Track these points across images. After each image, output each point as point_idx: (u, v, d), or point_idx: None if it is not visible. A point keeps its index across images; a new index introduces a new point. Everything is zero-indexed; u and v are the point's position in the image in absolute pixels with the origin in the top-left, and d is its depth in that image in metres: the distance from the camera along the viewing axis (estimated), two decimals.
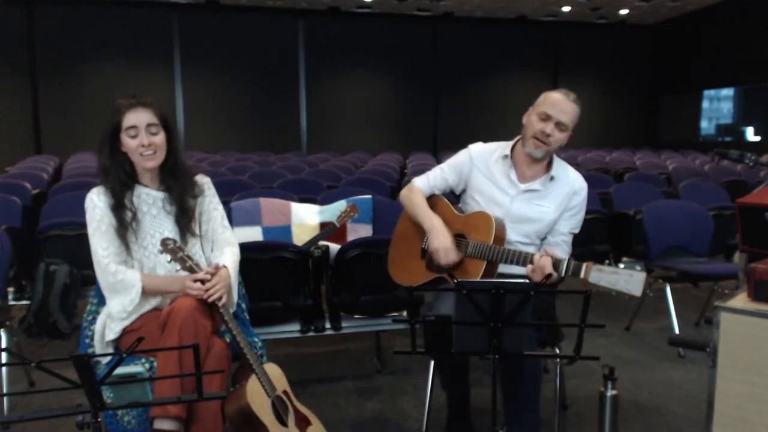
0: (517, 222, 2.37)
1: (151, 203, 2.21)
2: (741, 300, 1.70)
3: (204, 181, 2.36)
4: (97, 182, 2.23)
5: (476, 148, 2.50)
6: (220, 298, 2.04)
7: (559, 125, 2.30)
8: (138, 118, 2.12)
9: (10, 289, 3.58)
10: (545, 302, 2.40)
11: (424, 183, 2.54)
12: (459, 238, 2.36)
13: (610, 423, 2.10)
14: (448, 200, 2.52)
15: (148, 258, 2.19)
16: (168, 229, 2.22)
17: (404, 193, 2.56)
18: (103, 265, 2.10)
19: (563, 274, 2.08)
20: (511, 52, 15.41)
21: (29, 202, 4.98)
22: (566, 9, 14.34)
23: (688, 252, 3.92)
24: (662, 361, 3.51)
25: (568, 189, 2.40)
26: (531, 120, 2.35)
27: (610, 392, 2.10)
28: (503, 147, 2.46)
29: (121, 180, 2.16)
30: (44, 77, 12.76)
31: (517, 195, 2.39)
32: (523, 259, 2.16)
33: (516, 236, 2.38)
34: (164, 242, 2.07)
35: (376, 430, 2.75)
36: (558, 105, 2.30)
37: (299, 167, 7.51)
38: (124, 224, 2.14)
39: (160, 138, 2.15)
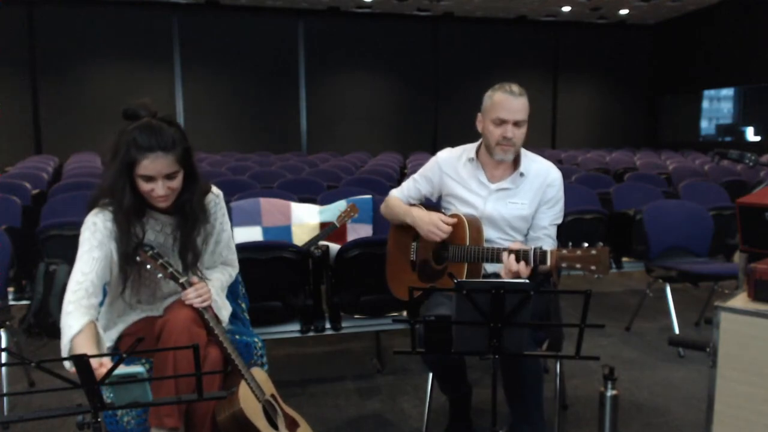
0: (493, 221, 2.37)
1: (159, 230, 2.05)
2: (741, 300, 1.71)
3: (217, 200, 2.17)
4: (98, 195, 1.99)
5: (443, 155, 2.53)
6: (203, 303, 1.99)
7: (516, 124, 2.30)
8: (156, 167, 1.87)
9: (10, 289, 3.58)
10: (544, 302, 2.40)
11: (399, 194, 2.62)
12: (440, 244, 2.38)
13: (610, 423, 2.10)
14: (425, 206, 2.54)
15: (148, 279, 2.07)
16: (173, 258, 2.05)
17: (383, 207, 2.64)
18: (72, 288, 1.88)
19: (532, 264, 2.08)
20: (511, 52, 15.41)
21: (29, 202, 4.99)
22: (566, 9, 14.34)
23: (688, 252, 3.91)
24: (662, 361, 3.51)
25: (540, 182, 2.39)
26: (488, 129, 2.34)
27: (610, 392, 2.10)
28: (469, 150, 2.48)
29: (129, 208, 1.92)
30: (44, 77, 12.76)
31: (489, 195, 2.39)
32: (497, 255, 2.17)
33: (496, 235, 2.39)
34: (142, 249, 1.96)
35: (376, 430, 2.75)
36: (508, 106, 2.28)
37: (299, 167, 7.50)
38: (127, 261, 1.95)
39: (177, 182, 1.94)
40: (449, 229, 2.32)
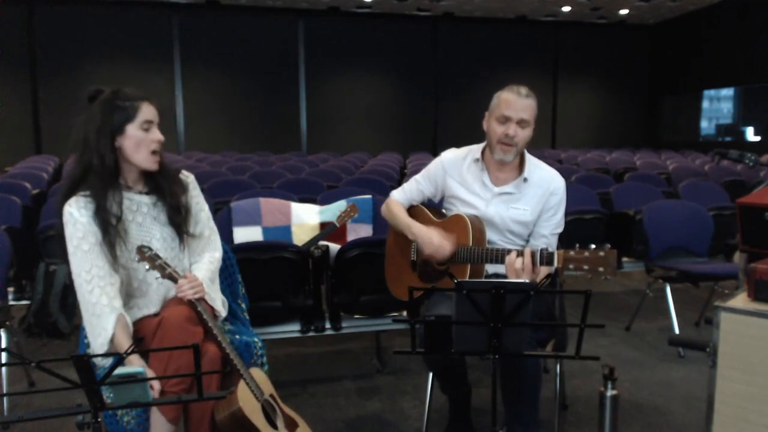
0: (494, 224, 2.36)
1: (135, 210, 2.05)
2: (741, 300, 1.70)
3: (189, 180, 2.21)
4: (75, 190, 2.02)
5: (448, 156, 2.50)
6: (196, 294, 2.00)
7: (520, 123, 2.28)
8: (153, 112, 2.02)
9: (10, 289, 3.58)
10: (546, 302, 2.40)
11: (401, 195, 2.58)
12: None
13: (610, 423, 2.10)
14: (427, 207, 2.53)
15: (137, 270, 2.07)
16: (155, 237, 2.07)
17: (383, 208, 2.60)
18: (84, 290, 1.92)
19: (539, 265, 2.08)
20: (511, 52, 15.41)
21: (29, 202, 4.98)
22: (566, 9, 14.34)
23: (688, 252, 3.91)
24: (662, 361, 3.51)
25: (543, 189, 2.37)
26: (492, 126, 2.32)
27: (610, 392, 2.10)
28: (474, 151, 2.45)
29: (104, 179, 1.96)
30: (44, 77, 12.76)
31: (492, 198, 2.38)
32: (502, 256, 2.17)
33: (497, 237, 2.38)
34: (140, 249, 1.96)
35: (376, 430, 2.75)
36: (513, 104, 2.27)
37: (299, 167, 7.50)
38: (110, 232, 1.96)
39: (161, 136, 2.06)
40: (451, 251, 2.29)
